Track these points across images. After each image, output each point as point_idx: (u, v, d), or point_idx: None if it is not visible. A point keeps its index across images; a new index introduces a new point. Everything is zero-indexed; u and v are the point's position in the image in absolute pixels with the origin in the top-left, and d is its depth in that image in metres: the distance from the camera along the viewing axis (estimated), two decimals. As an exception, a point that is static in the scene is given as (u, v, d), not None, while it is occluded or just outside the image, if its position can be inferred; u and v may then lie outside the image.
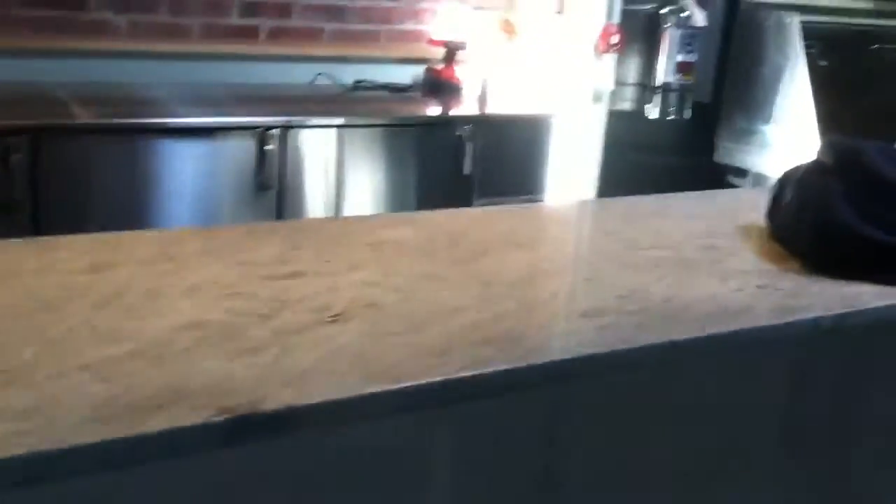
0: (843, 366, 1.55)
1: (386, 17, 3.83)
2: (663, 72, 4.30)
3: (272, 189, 2.94)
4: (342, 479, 1.13)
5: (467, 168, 3.27)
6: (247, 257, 1.48)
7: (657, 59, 4.29)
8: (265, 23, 3.61)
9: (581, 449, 1.33)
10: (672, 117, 4.38)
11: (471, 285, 1.43)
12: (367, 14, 3.78)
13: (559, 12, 4.19)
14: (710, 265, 1.62)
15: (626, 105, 4.41)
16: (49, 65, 3.19)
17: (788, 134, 4.22)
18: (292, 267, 1.45)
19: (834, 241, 1.60)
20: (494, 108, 3.58)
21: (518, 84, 3.96)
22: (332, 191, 3.09)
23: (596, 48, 4.19)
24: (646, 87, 4.35)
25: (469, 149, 3.25)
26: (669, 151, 4.59)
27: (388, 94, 3.57)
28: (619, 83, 4.34)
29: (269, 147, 2.90)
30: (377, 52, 3.79)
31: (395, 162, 3.20)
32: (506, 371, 1.13)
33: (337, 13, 3.71)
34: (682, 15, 4.25)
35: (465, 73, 3.80)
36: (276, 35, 3.63)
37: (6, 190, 2.56)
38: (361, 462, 1.14)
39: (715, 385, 1.43)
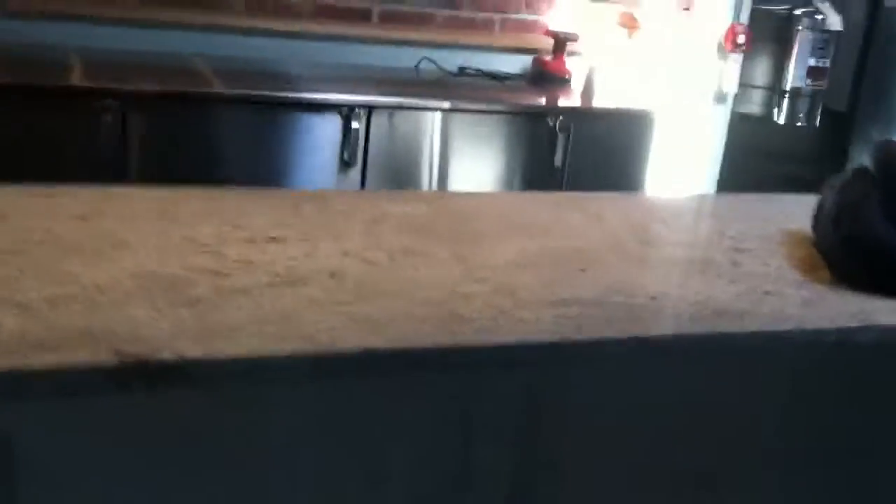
0: (853, 383, 1.42)
1: (501, 5, 3.79)
2: (793, 76, 4.09)
3: (355, 167, 2.97)
4: (246, 439, 1.12)
5: (558, 160, 3.20)
6: (242, 220, 1.49)
7: (788, 62, 4.09)
8: (377, 6, 3.63)
9: (521, 441, 1.27)
10: (801, 124, 4.17)
11: (451, 265, 1.39)
12: (481, 2, 3.76)
13: (686, 8, 4.05)
14: (727, 267, 1.52)
15: (753, 108, 4.23)
16: (167, 35, 3.32)
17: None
18: (280, 232, 1.45)
19: (863, 253, 1.48)
20: (598, 101, 3.49)
21: (636, 80, 3.85)
22: (422, 174, 3.09)
23: (721, 47, 4.04)
24: (774, 91, 4.15)
25: (561, 140, 3.19)
26: (798, 159, 4.38)
27: (490, 81, 3.54)
28: (746, 85, 4.17)
29: (355, 126, 2.93)
30: (488, 41, 3.76)
31: (487, 151, 3.16)
32: (412, 350, 1.09)
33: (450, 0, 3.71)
34: (816, 17, 4.03)
35: (575, 65, 3.72)
36: (388, 18, 3.65)
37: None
38: (270, 424, 1.12)
39: (695, 391, 1.34)
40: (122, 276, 1.21)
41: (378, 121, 2.98)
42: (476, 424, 1.21)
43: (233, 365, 1.03)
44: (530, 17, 3.88)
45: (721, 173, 4.29)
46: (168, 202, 1.54)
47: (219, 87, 2.93)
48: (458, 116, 3.10)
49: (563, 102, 3.43)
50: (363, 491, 1.20)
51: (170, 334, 1.05)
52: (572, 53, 3.78)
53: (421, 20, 3.71)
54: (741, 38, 4.02)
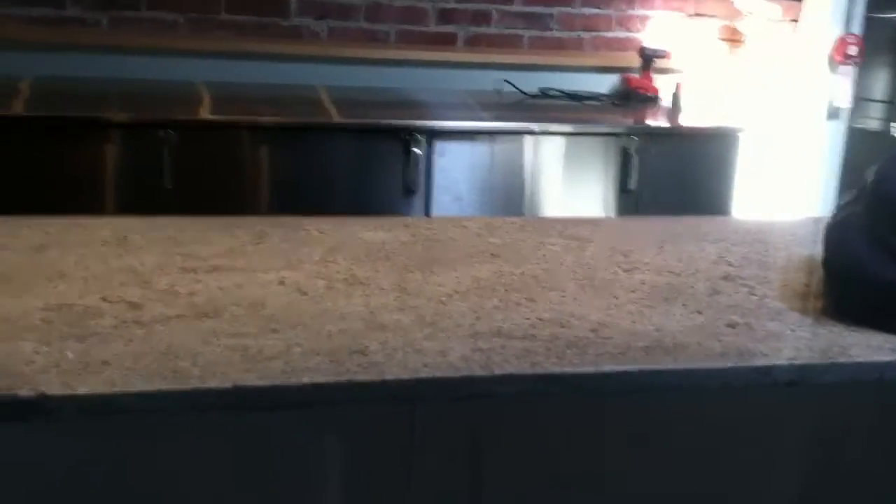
0: (821, 424, 1.28)
1: (592, 24, 3.70)
2: (913, 87, 3.81)
3: (418, 192, 2.95)
4: (107, 475, 1.10)
5: (633, 183, 3.08)
6: (195, 248, 1.49)
7: (905, 73, 3.81)
8: (463, 29, 3.60)
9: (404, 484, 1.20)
10: (923, 139, 3.87)
11: (389, 294, 1.34)
12: (571, 21, 3.68)
13: (793, 20, 3.84)
14: (703, 295, 1.41)
15: (871, 123, 3.96)
16: (249, 66, 3.41)
17: None
18: (226, 261, 1.44)
19: (846, 281, 1.34)
20: (688, 120, 3.34)
21: (737, 96, 3.68)
22: (490, 198, 3.03)
23: (831, 60, 3.81)
24: (894, 104, 3.87)
25: (636, 162, 3.06)
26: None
27: (571, 102, 3.45)
28: (862, 98, 3.91)
29: (416, 151, 2.91)
30: (576, 60, 3.67)
31: (558, 174, 3.08)
32: (271, 387, 1.04)
33: (537, 20, 3.64)
34: (936, 23, 3.74)
35: (668, 83, 3.58)
36: (473, 41, 3.62)
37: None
38: (141, 460, 1.10)
39: (623, 433, 1.23)
40: (34, 307, 1.22)
41: (440, 146, 2.95)
42: (358, 462, 1.15)
43: (87, 401, 1.01)
44: (623, 35, 3.76)
45: (839, 192, 4.04)
46: (133, 230, 1.55)
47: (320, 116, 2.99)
48: (525, 139, 3.03)
49: (642, 122, 3.30)
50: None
51: (41, 369, 1.05)
52: (665, 71, 3.64)
53: (506, 42, 3.66)
54: (852, 49, 3.78)
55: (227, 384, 1.05)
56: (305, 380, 1.07)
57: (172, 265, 1.41)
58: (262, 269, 1.41)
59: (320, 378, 1.07)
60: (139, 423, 1.10)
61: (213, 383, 1.05)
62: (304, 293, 1.33)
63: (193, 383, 1.04)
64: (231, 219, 1.64)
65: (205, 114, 2.95)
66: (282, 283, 1.36)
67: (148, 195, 2.78)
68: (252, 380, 1.06)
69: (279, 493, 1.14)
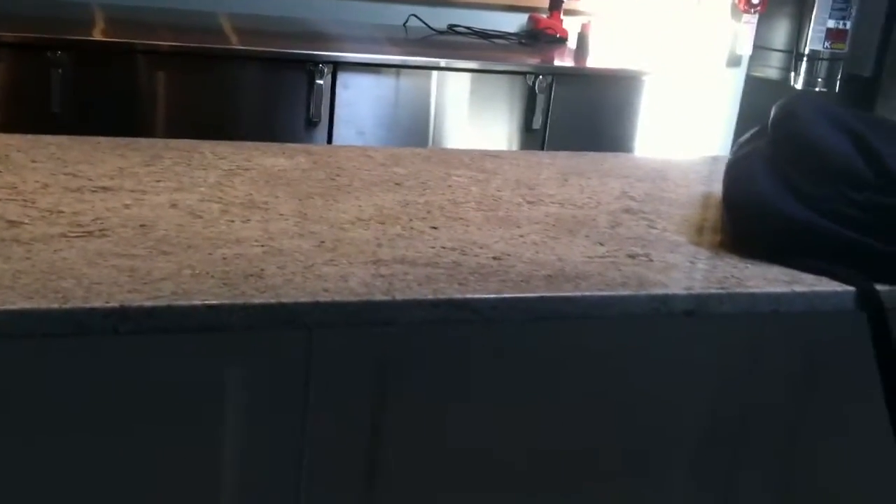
0: (722, 356, 1.30)
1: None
2: (811, 38, 3.88)
3: (320, 124, 2.88)
4: None
5: (537, 122, 3.07)
6: (83, 168, 1.42)
7: (806, 23, 3.88)
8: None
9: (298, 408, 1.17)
10: (820, 89, 3.96)
11: (289, 220, 1.30)
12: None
13: (699, -34, 3.86)
14: (604, 228, 1.40)
15: (769, 72, 4.03)
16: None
17: (956, 116, 3.73)
18: (117, 182, 1.37)
19: (747, 215, 1.35)
20: (593, 62, 3.34)
21: (640, 40, 3.69)
22: (390, 132, 2.99)
23: (734, 7, 3.85)
24: (791, 54, 3.94)
25: (541, 102, 3.05)
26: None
27: (478, 40, 3.41)
28: (761, 47, 3.97)
29: (318, 82, 2.84)
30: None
31: (460, 111, 3.05)
32: (169, 308, 1.00)
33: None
34: (836, -24, 3.81)
35: (575, 24, 3.57)
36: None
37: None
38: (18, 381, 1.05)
39: (526, 362, 1.23)
40: None
41: (345, 78, 2.88)
42: (254, 390, 1.12)
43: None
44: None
45: (735, 139, 4.11)
46: (16, 148, 1.47)
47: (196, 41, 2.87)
48: (431, 74, 2.98)
49: (546, 62, 3.28)
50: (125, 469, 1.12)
51: None
52: (573, 12, 3.62)
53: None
54: (756, -2, 3.82)
55: (114, 304, 1.00)
56: (197, 302, 1.03)
57: (57, 184, 1.34)
58: (153, 191, 1.35)
59: (213, 300, 1.03)
60: (20, 347, 1.04)
61: (98, 303, 1.00)
62: (198, 216, 1.28)
63: (77, 303, 0.99)
64: (121, 139, 1.57)
65: (98, 35, 2.82)
66: (174, 205, 1.31)
67: (34, 120, 2.65)
68: (140, 300, 1.01)
69: (169, 421, 1.10)
